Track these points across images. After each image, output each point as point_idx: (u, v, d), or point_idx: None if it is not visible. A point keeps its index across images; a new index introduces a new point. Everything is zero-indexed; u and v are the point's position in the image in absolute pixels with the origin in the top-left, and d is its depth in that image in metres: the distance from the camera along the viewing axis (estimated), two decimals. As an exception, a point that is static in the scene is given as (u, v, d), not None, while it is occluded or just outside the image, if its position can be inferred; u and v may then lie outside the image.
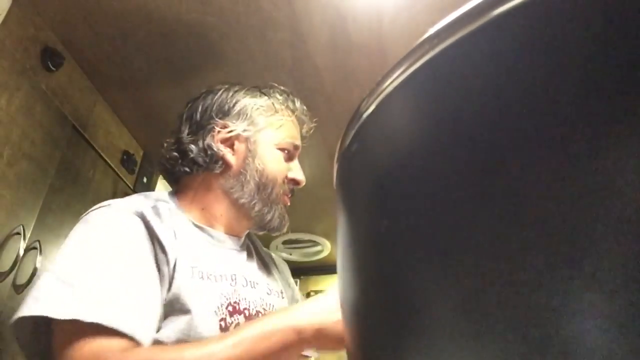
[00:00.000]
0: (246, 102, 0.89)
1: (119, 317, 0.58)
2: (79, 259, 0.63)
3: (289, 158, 0.90)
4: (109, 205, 0.72)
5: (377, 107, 0.21)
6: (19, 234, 1.01)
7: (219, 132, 0.85)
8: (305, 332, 0.59)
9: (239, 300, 0.75)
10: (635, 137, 0.12)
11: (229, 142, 0.86)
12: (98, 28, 1.12)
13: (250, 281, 0.81)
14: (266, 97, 0.90)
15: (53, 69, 1.12)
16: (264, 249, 1.03)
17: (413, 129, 0.19)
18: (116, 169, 1.47)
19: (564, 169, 0.13)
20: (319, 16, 1.06)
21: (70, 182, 1.24)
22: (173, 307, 0.66)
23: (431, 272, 0.17)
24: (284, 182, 0.86)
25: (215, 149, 0.83)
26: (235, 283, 0.77)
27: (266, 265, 0.94)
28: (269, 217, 0.84)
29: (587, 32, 0.13)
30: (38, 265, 1.06)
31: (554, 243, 0.13)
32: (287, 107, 0.92)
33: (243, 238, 0.90)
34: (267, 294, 0.83)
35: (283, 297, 0.89)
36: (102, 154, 1.38)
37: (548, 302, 0.13)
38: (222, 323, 0.69)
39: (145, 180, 1.66)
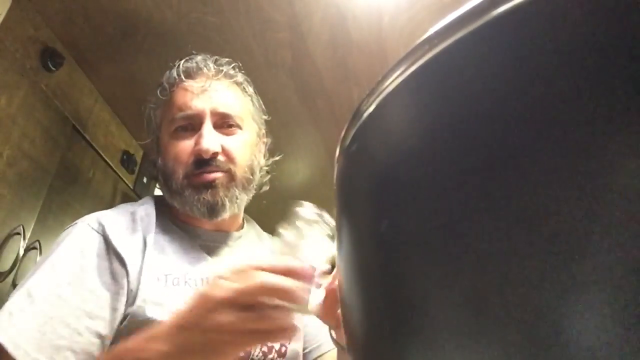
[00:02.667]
0: (148, 107, 0.87)
1: (21, 344, 0.57)
2: (28, 282, 0.65)
3: (192, 131, 0.77)
4: (75, 224, 0.74)
5: (377, 106, 0.21)
6: (19, 234, 1.01)
7: (152, 149, 0.86)
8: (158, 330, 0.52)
9: None
10: (635, 137, 0.12)
11: (158, 150, 0.85)
12: (98, 28, 1.12)
13: None
14: (159, 88, 0.84)
15: (53, 69, 1.12)
16: (272, 236, 0.98)
17: (413, 129, 0.19)
18: (116, 169, 1.47)
19: (564, 168, 0.13)
20: (319, 16, 1.06)
21: (70, 182, 1.24)
22: (141, 318, 0.65)
23: (431, 272, 0.17)
24: (187, 162, 0.76)
25: (156, 160, 0.85)
26: None
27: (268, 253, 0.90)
28: (187, 207, 0.77)
29: (586, 31, 0.13)
30: (38, 265, 1.06)
31: (554, 243, 0.13)
32: (174, 79, 0.81)
33: (237, 231, 0.86)
34: None
35: None
36: (102, 154, 1.38)
37: (548, 301, 0.13)
38: None
39: (145, 180, 1.66)
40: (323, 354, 0.84)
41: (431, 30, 0.18)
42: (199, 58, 0.83)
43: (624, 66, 0.13)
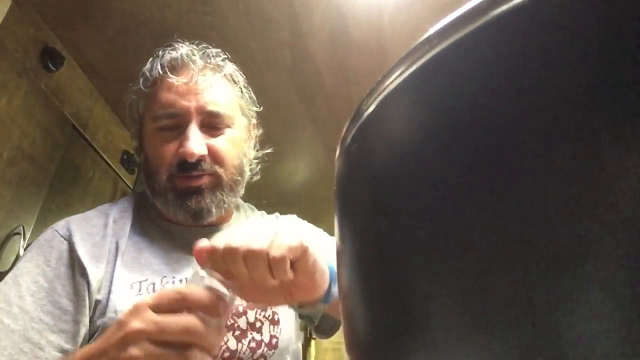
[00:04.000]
0: (130, 97, 0.79)
1: None
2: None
3: (177, 130, 0.72)
4: (46, 231, 0.71)
5: (377, 106, 0.21)
6: (19, 234, 1.01)
7: (134, 140, 0.82)
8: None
9: None
10: (636, 138, 0.12)
11: (139, 143, 0.80)
12: (98, 28, 1.12)
13: None
14: (141, 78, 0.77)
15: (53, 69, 1.12)
16: (272, 216, 0.92)
17: (413, 129, 0.19)
18: (116, 169, 1.47)
19: (564, 168, 0.13)
20: (319, 16, 1.07)
21: (70, 182, 1.24)
22: None
23: (431, 272, 0.17)
24: (171, 164, 0.71)
25: (135, 157, 0.80)
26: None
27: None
28: (171, 211, 0.72)
29: (587, 32, 0.13)
30: (38, 265, 1.06)
31: (554, 243, 0.13)
32: (158, 72, 0.74)
33: (225, 223, 0.82)
34: None
35: None
36: (102, 154, 1.38)
37: (548, 302, 0.13)
38: None
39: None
40: None
41: (431, 30, 0.18)
42: (184, 50, 0.76)
43: (627, 67, 0.12)
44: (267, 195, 0.95)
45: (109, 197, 1.46)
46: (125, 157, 1.53)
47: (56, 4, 1.06)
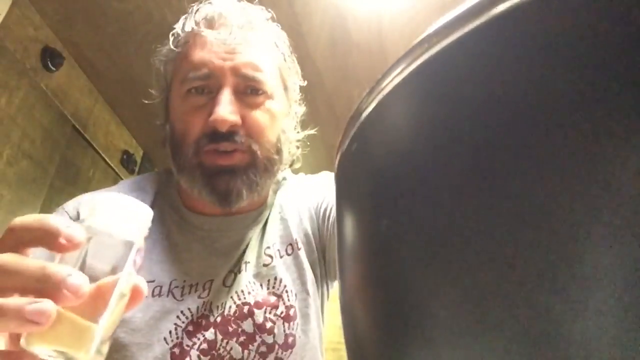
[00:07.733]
0: (158, 60, 0.68)
1: None
2: None
3: (208, 94, 0.60)
4: (58, 209, 0.67)
5: (376, 106, 0.21)
6: (19, 234, 1.01)
7: (161, 110, 0.69)
8: None
9: (211, 310, 0.60)
10: (636, 137, 0.12)
11: (165, 114, 0.67)
12: (98, 28, 1.12)
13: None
14: (171, 37, 0.66)
15: (53, 69, 1.12)
16: (302, 198, 0.75)
17: (412, 128, 0.19)
18: (116, 169, 1.47)
19: (564, 168, 0.13)
20: (319, 16, 1.07)
21: (70, 182, 1.24)
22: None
23: (431, 272, 0.17)
24: (199, 136, 0.59)
25: (164, 126, 0.67)
26: (209, 292, 0.60)
27: (287, 228, 0.69)
28: (196, 191, 0.60)
29: (587, 31, 0.13)
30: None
31: (554, 243, 0.13)
32: (191, 28, 0.64)
33: (256, 210, 0.68)
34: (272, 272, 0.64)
35: (293, 252, 0.66)
36: (102, 153, 1.38)
37: (548, 301, 0.13)
38: (176, 350, 0.56)
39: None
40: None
41: (430, 30, 0.18)
42: (223, 4, 0.64)
43: (627, 66, 0.12)
44: (267, 195, 0.95)
45: (109, 197, 1.46)
46: (125, 157, 1.53)
47: (56, 4, 1.06)
